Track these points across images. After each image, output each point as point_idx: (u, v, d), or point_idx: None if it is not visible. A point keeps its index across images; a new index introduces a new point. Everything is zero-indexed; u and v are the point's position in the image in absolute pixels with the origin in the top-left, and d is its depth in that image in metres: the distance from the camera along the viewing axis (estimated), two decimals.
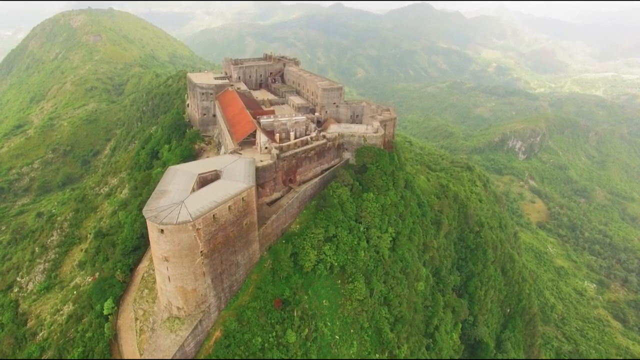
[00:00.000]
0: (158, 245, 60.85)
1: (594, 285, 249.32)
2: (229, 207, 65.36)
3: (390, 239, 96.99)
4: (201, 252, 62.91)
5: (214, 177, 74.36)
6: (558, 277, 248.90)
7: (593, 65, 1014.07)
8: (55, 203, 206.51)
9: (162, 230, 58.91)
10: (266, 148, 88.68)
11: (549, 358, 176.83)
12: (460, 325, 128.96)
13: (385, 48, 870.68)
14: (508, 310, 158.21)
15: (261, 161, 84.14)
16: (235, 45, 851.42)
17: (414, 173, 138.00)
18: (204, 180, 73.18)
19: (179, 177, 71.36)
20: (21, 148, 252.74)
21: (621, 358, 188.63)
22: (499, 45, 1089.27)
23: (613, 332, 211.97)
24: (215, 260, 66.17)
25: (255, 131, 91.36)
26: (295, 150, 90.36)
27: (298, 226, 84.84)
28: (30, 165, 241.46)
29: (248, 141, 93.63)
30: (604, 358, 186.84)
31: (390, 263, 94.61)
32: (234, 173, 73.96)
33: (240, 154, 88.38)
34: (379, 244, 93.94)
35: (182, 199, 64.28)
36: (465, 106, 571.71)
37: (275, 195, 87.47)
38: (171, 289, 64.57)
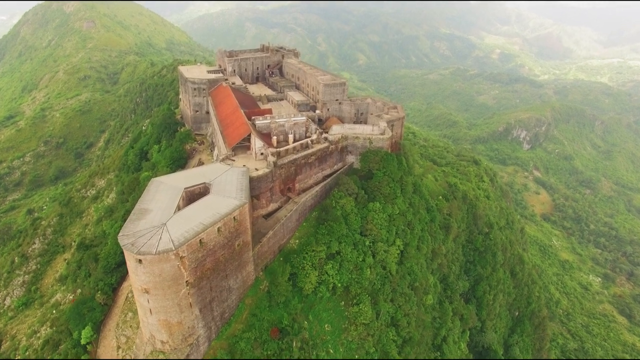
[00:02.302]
0: (137, 276, 53.17)
1: (599, 279, 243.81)
2: (219, 229, 57.47)
3: (398, 251, 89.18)
4: (186, 281, 55.30)
5: (203, 190, 66.37)
6: (563, 271, 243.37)
7: (598, 51, 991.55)
8: (47, 199, 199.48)
9: (140, 261, 51.20)
10: (262, 154, 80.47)
11: (555, 358, 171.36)
12: (468, 332, 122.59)
13: (387, 34, 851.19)
14: (517, 314, 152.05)
15: (256, 170, 75.91)
16: (234, 31, 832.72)
17: (422, 173, 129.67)
18: (191, 195, 65.21)
19: (162, 193, 63.24)
20: (12, 140, 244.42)
21: (628, 357, 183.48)
22: (502, 30, 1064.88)
23: (619, 327, 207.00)
24: (204, 288, 58.58)
25: (250, 134, 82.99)
26: (295, 156, 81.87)
27: (297, 242, 76.70)
28: (21, 159, 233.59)
29: (243, 145, 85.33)
30: (610, 358, 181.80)
31: (397, 279, 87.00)
32: (224, 186, 65.85)
33: (233, 160, 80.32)
34: (385, 259, 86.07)
35: (165, 220, 56.27)
36: (469, 94, 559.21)
37: (272, 206, 79.29)
38: (154, 322, 57.19)
